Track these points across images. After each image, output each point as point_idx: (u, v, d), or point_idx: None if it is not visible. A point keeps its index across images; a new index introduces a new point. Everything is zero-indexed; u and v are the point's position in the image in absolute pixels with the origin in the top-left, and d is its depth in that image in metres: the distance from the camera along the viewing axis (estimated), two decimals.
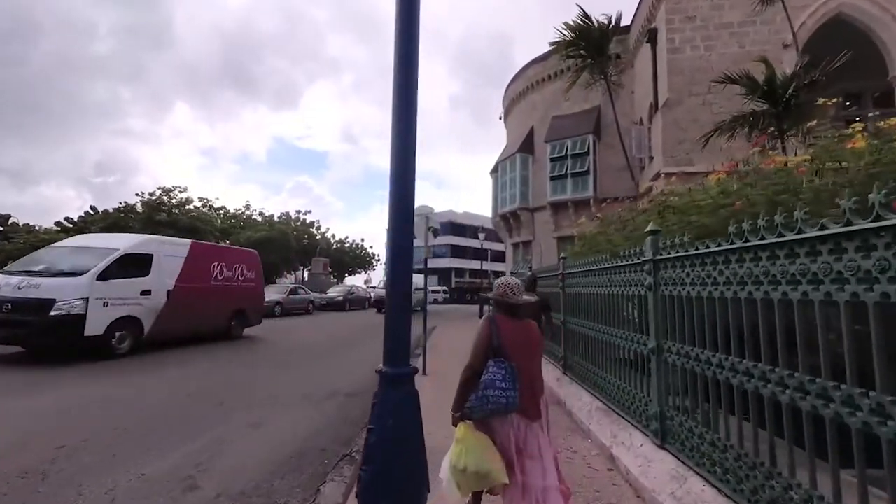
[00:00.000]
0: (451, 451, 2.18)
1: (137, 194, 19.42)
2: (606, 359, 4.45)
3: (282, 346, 10.58)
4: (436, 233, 7.96)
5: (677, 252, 3.00)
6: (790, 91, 8.57)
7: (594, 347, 4.81)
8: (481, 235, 23.37)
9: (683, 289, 2.94)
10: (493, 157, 25.25)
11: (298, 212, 45.82)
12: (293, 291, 20.65)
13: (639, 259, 3.56)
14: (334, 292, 26.05)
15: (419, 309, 10.18)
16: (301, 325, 16.15)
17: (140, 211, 19.47)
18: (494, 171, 23.99)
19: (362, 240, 66.13)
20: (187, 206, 20.43)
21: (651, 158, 15.55)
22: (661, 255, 3.24)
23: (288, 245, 25.77)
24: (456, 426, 2.24)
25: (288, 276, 32.24)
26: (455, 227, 62.46)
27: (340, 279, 58.80)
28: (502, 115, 25.85)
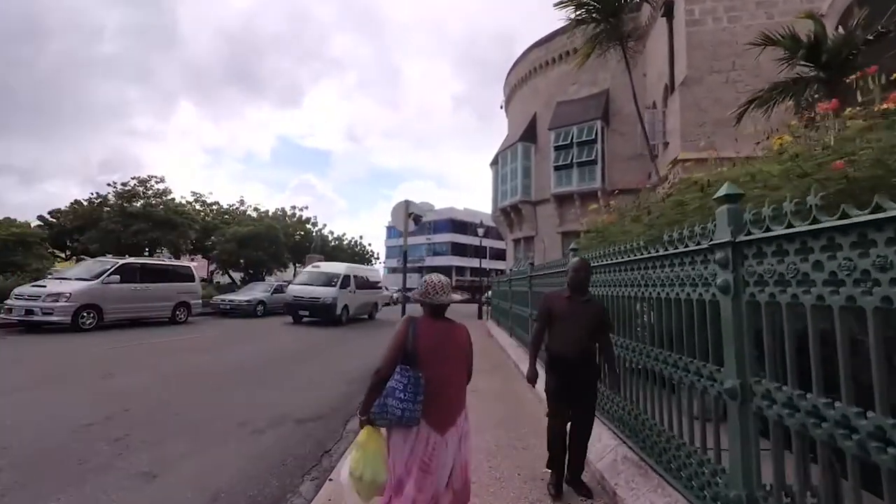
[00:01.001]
0: (351, 456, 2.12)
1: (110, 184, 18.12)
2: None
3: (242, 354, 9.25)
4: (417, 220, 6.64)
5: (786, 228, 1.70)
6: (844, 51, 7.16)
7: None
8: (480, 231, 21.99)
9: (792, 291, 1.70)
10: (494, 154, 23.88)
11: (294, 207, 44.50)
12: (278, 289, 19.33)
13: (704, 243, 2.23)
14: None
15: (395, 303, 8.80)
16: (281, 326, 14.85)
17: (112, 201, 18.13)
18: (494, 162, 22.62)
19: (360, 237, 64.96)
20: (166, 198, 19.03)
21: (666, 145, 14.15)
22: (749, 235, 1.93)
23: (276, 240, 24.43)
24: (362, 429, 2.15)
25: (279, 273, 30.99)
26: (456, 224, 61.20)
27: None
28: (503, 104, 24.46)
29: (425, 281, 2.25)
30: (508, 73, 22.41)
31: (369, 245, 61.17)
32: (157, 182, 18.51)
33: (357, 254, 58.33)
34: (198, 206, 39.14)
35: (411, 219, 6.45)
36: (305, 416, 5.00)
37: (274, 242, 24.46)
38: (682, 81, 12.40)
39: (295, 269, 44.66)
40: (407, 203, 6.50)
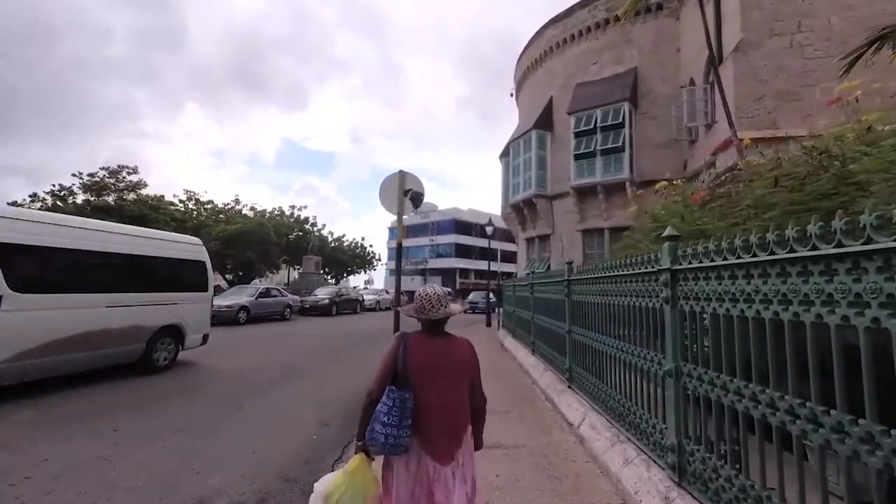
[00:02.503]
0: (334, 478, 1.88)
1: (75, 174, 16.20)
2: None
3: (198, 378, 7.26)
4: (416, 199, 4.64)
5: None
6: None
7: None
8: (489, 229, 19.97)
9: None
10: (499, 156, 21.94)
11: (293, 207, 42.68)
12: (265, 293, 17.37)
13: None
14: (321, 294, 22.77)
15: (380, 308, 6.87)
16: (264, 336, 12.87)
17: (78, 194, 16.21)
18: (505, 154, 20.62)
19: (363, 238, 63.15)
20: (140, 192, 17.11)
21: (710, 126, 12.14)
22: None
23: (266, 240, 22.49)
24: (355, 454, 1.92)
25: (272, 274, 29.15)
26: (460, 224, 59.28)
27: (339, 279, 56.05)
28: (513, 91, 22.47)
29: (419, 294, 2.00)
30: (520, 57, 20.42)
31: (370, 246, 59.50)
32: (129, 173, 16.63)
33: (358, 255, 56.66)
34: (191, 205, 37.51)
35: (408, 198, 4.44)
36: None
37: (264, 242, 22.52)
38: (735, 47, 10.38)
39: (289, 271, 42.80)
40: (402, 175, 4.51)
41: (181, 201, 36.89)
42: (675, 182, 6.67)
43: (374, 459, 1.92)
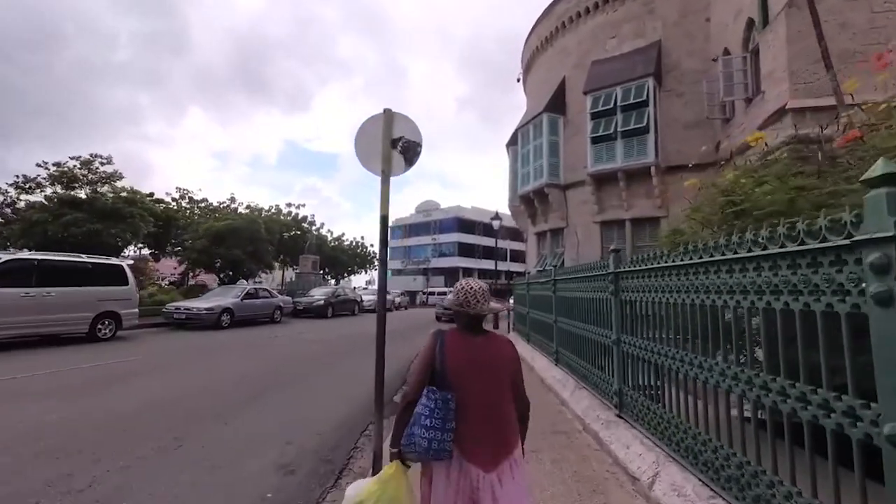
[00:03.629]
0: (367, 485, 1.76)
1: (39, 164, 14.69)
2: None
3: (134, 401, 5.79)
4: (410, 152, 3.13)
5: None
6: None
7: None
8: (496, 224, 18.48)
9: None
10: (502, 157, 20.47)
11: (290, 205, 41.28)
12: (252, 294, 15.91)
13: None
14: (315, 294, 21.33)
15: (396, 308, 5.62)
16: (245, 341, 11.41)
17: (46, 186, 14.72)
18: (512, 142, 19.11)
19: (362, 237, 61.65)
20: (115, 184, 15.65)
21: (750, 100, 10.60)
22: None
23: (258, 237, 21.04)
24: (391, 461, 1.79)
25: (266, 274, 27.78)
26: (463, 223, 57.80)
27: (339, 279, 54.78)
28: (520, 76, 20.95)
29: (461, 287, 1.85)
30: (528, 37, 18.89)
31: (371, 246, 58.20)
32: (102, 163, 15.17)
33: (358, 255, 55.29)
34: (184, 203, 36.12)
35: (397, 150, 2.93)
36: None
37: (255, 240, 21.06)
38: (788, 1, 8.84)
39: (284, 271, 41.29)
40: (389, 116, 3.02)
41: (174, 199, 35.60)
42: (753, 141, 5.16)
43: (409, 467, 1.80)
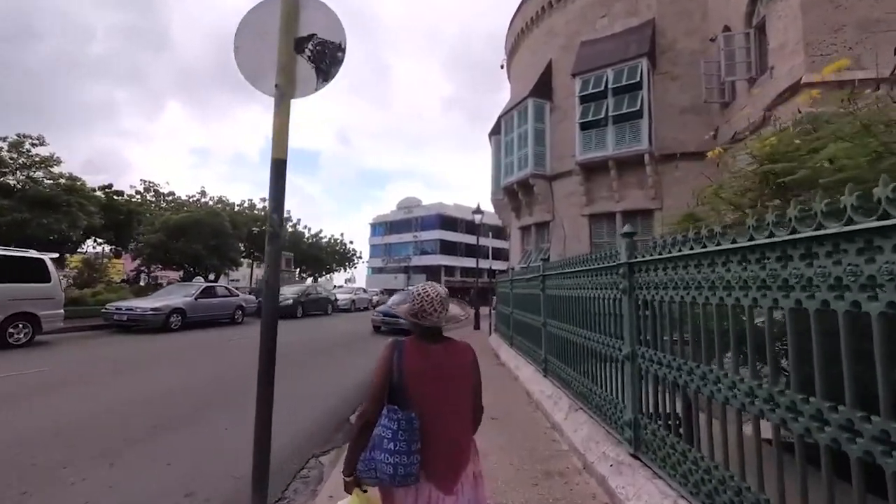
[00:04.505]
0: None
1: None
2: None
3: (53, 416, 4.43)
4: (326, 59, 1.89)
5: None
6: None
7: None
8: (477, 218, 17.35)
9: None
10: (487, 158, 19.38)
11: (264, 199, 39.42)
12: (208, 292, 14.42)
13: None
14: (286, 293, 19.83)
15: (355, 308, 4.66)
16: (193, 346, 10.00)
17: None
18: (495, 131, 18.01)
19: (342, 234, 59.99)
20: (52, 169, 13.93)
21: (753, 80, 9.67)
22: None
23: (221, 231, 19.45)
24: (348, 493, 1.64)
25: (233, 272, 26.15)
26: (445, 220, 56.62)
27: (317, 278, 53.11)
28: (504, 62, 19.86)
29: (417, 293, 1.67)
30: (512, 19, 17.77)
31: (350, 243, 56.65)
32: (34, 144, 13.39)
33: (337, 252, 53.65)
34: (149, 196, 34.06)
35: (305, 57, 1.69)
36: None
37: (218, 234, 19.45)
38: None
39: (252, 269, 39.43)
40: (292, 2, 1.70)
41: (138, 192, 33.53)
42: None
43: (366, 491, 1.65)
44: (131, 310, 11.98)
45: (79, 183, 14.59)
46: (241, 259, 26.08)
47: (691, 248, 2.48)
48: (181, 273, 20.88)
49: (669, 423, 2.82)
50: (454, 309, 2.68)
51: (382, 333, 13.52)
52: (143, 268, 21.01)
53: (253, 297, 17.12)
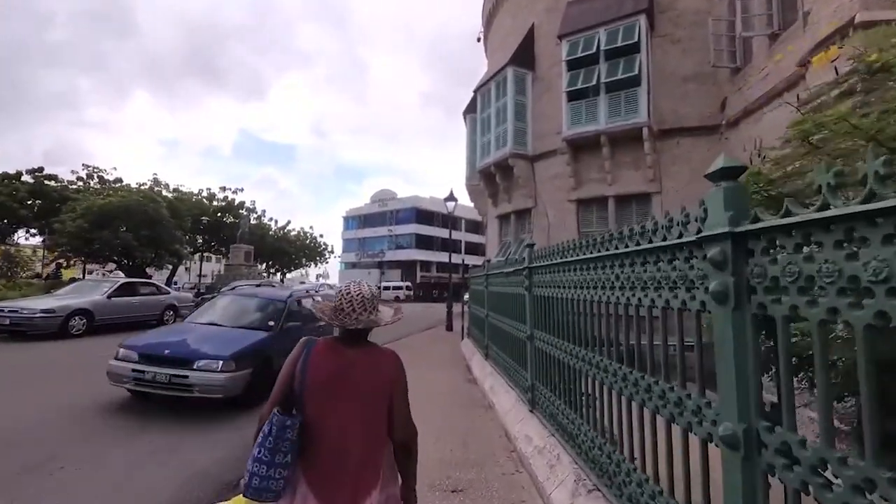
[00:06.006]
0: None
1: None
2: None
3: None
4: None
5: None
6: None
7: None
8: (451, 205, 15.46)
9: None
10: (464, 149, 17.50)
11: (224, 188, 36.55)
12: (126, 290, 12.06)
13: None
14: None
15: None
16: (90, 360, 7.77)
17: None
18: (470, 109, 16.13)
19: (311, 227, 57.21)
20: None
21: (775, 36, 8.05)
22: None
23: (157, 220, 16.96)
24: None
25: (184, 266, 23.59)
26: (421, 214, 54.54)
27: (285, 273, 50.31)
28: (481, 34, 17.95)
29: (340, 291, 1.54)
30: None
31: (321, 237, 54.09)
32: None
33: (307, 247, 50.91)
34: (93, 183, 30.95)
35: None
36: None
37: (154, 222, 16.94)
38: None
39: (201, 261, 36.50)
40: None
41: (79, 178, 30.34)
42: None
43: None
44: (15, 311, 9.58)
45: None
46: (188, 252, 23.41)
47: None
48: (115, 266, 18.27)
49: None
50: (385, 312, 1.74)
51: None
52: (60, 261, 18.26)
53: (189, 296, 14.77)
